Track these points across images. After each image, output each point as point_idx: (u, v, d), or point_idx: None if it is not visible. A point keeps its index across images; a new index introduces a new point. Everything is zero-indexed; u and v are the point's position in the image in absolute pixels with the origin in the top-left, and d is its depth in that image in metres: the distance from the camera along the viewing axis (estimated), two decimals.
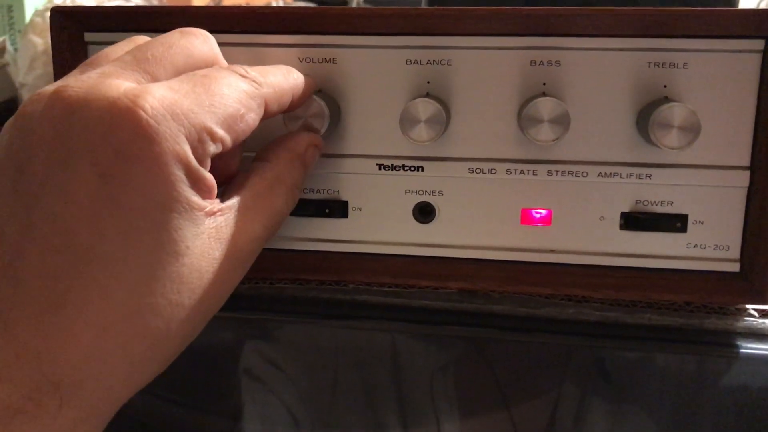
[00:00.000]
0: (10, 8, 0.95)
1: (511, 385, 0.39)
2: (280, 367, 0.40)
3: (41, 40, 0.84)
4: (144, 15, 0.39)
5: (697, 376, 0.37)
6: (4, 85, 0.83)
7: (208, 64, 0.31)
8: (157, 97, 0.27)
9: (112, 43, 0.39)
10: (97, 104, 0.26)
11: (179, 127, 0.27)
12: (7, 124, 0.28)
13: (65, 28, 0.39)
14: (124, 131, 0.26)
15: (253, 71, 0.32)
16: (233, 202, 0.30)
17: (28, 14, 0.94)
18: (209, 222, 0.28)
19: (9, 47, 0.85)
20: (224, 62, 0.33)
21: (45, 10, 0.85)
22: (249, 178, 0.32)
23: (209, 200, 0.29)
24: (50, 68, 0.79)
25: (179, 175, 0.27)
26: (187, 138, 0.27)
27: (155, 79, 0.29)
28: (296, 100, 0.35)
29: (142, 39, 0.33)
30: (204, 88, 0.29)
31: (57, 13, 0.39)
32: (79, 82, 0.27)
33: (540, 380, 0.39)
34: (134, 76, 0.28)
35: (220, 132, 0.29)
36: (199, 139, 0.28)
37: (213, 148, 0.28)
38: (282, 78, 0.33)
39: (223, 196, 0.30)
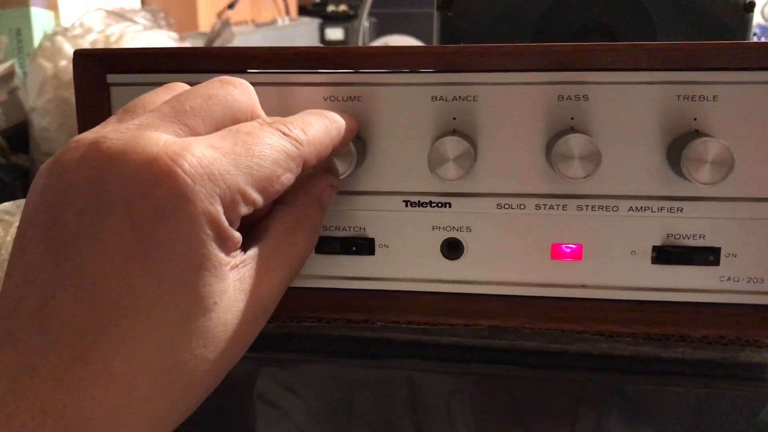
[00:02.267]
0: (18, 32, 0.95)
1: (541, 421, 0.39)
2: (308, 407, 0.40)
3: (50, 64, 0.84)
4: (166, 56, 0.39)
5: (733, 410, 0.37)
6: (14, 109, 0.83)
7: (248, 116, 0.31)
8: (197, 156, 0.27)
9: (134, 84, 0.39)
10: (135, 158, 0.26)
11: (215, 188, 0.27)
12: (42, 168, 0.28)
13: (88, 69, 0.39)
14: (162, 189, 0.26)
15: (296, 129, 0.31)
16: (255, 251, 0.30)
17: (37, 38, 0.94)
18: (233, 275, 0.28)
19: (18, 70, 0.85)
20: (262, 113, 0.33)
21: (54, 33, 0.85)
22: (269, 225, 0.32)
23: (233, 253, 0.28)
24: (61, 92, 0.80)
25: (210, 233, 0.27)
26: (221, 198, 0.27)
27: (194, 131, 0.29)
28: (336, 149, 0.34)
29: (180, 87, 0.33)
30: (244, 148, 0.28)
31: (80, 55, 0.39)
32: (117, 133, 0.27)
33: (571, 417, 0.38)
34: (173, 128, 0.28)
35: (254, 195, 0.28)
36: (232, 200, 0.27)
37: (244, 210, 0.28)
38: (323, 132, 0.33)
39: (245, 242, 0.30)
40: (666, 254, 0.37)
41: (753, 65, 0.35)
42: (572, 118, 0.36)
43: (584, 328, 0.38)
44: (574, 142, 0.34)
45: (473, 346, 0.39)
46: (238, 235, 0.28)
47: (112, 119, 0.30)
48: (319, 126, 0.33)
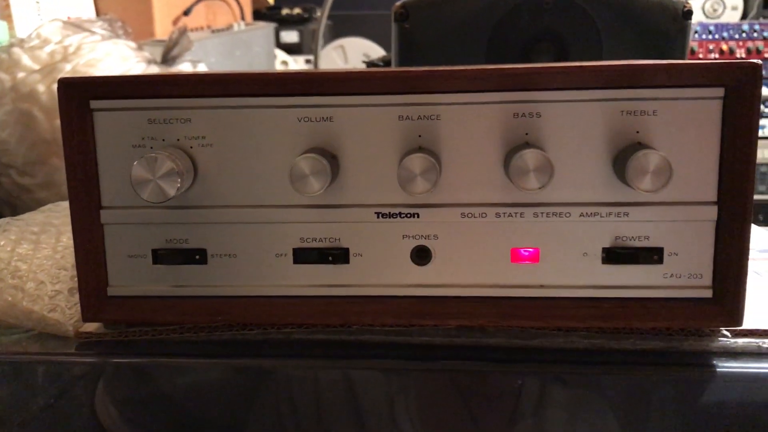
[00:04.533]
0: None
1: (503, 414, 0.42)
2: (290, 409, 0.43)
3: (8, 77, 0.85)
4: (148, 84, 0.41)
5: (679, 394, 0.41)
6: None
7: None
8: None
9: (116, 110, 0.41)
10: None
11: None
12: None
13: (73, 97, 0.41)
14: None
15: None
16: None
17: None
18: None
19: None
20: None
21: (11, 45, 0.86)
22: None
23: None
24: (19, 105, 0.81)
25: None
26: None
27: None
28: None
29: None
30: None
31: (64, 84, 0.41)
32: None
33: (532, 407, 0.42)
34: None
35: None
36: None
37: None
38: None
39: None
40: (615, 255, 0.41)
41: (687, 83, 0.39)
42: (527, 134, 0.40)
43: (543, 324, 0.42)
44: (529, 157, 0.38)
45: (442, 345, 0.42)
46: None
47: None
48: None
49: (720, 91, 0.39)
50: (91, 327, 0.44)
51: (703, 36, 1.80)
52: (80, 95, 0.41)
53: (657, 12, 0.67)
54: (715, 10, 1.98)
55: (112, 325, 0.44)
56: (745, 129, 0.38)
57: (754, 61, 0.38)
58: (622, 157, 0.39)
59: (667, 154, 0.38)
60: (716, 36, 1.79)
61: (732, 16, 1.95)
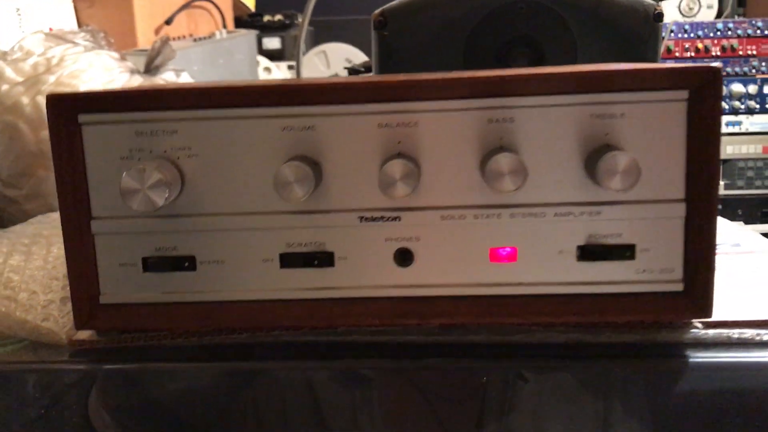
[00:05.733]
0: None
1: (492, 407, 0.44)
2: (285, 411, 0.44)
3: None
4: (135, 97, 0.43)
5: (654, 384, 0.42)
6: None
7: None
8: None
9: (104, 123, 0.43)
10: None
11: None
12: None
13: (61, 112, 0.42)
14: None
15: None
16: None
17: None
18: None
19: None
20: None
21: None
22: None
23: None
24: (4, 117, 0.81)
25: None
26: None
27: None
28: None
29: None
30: None
31: (53, 97, 0.42)
32: None
33: (514, 401, 0.43)
34: None
35: None
36: None
37: None
38: None
39: None
40: (589, 252, 0.42)
41: (653, 86, 0.40)
42: (501, 138, 0.42)
43: (522, 320, 0.43)
44: (504, 161, 0.39)
45: (426, 343, 0.44)
46: None
47: None
48: None
49: (684, 94, 0.40)
50: (84, 335, 0.45)
51: (679, 35, 1.83)
52: (68, 110, 0.42)
53: (629, 15, 0.69)
54: (691, 9, 2.01)
55: (105, 332, 0.45)
56: (709, 129, 0.40)
57: (714, 65, 0.40)
58: (593, 159, 0.40)
59: (636, 155, 0.39)
60: (692, 35, 1.82)
61: (707, 14, 1.98)
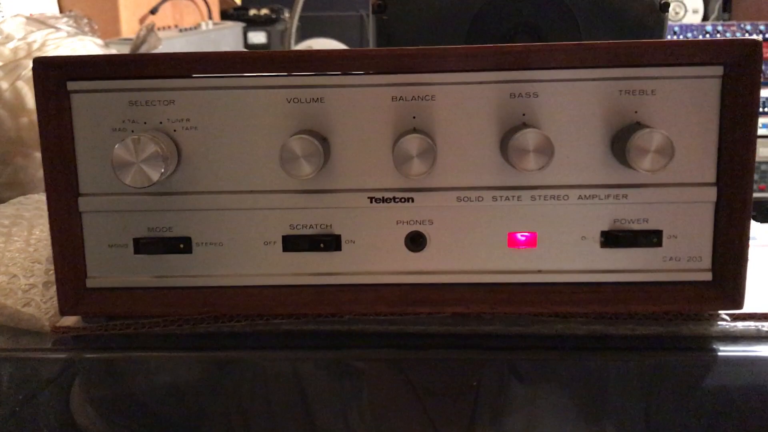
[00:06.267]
0: None
1: (502, 400, 0.41)
2: (283, 404, 0.41)
3: None
4: (127, 63, 0.39)
5: (678, 379, 0.40)
6: None
7: None
8: None
9: (94, 91, 0.39)
10: None
11: None
12: None
13: (49, 78, 0.39)
14: None
15: None
16: None
17: None
18: None
19: None
20: None
21: None
22: None
23: None
24: None
25: None
26: None
27: None
28: None
29: None
30: None
31: (40, 62, 0.39)
32: None
33: (531, 396, 0.41)
34: None
35: None
36: None
37: None
38: None
39: None
40: (613, 238, 0.40)
41: (685, 61, 0.38)
42: (524, 114, 0.39)
43: (541, 310, 0.40)
44: (530, 137, 0.37)
45: (438, 333, 0.41)
46: None
47: None
48: None
49: (719, 70, 0.38)
50: (69, 321, 0.42)
51: (669, 36, 1.82)
52: (56, 76, 0.39)
53: (634, 4, 0.67)
54: (677, 13, 2.02)
55: (91, 318, 0.42)
56: (745, 108, 0.38)
57: (755, 38, 0.37)
58: (621, 138, 0.38)
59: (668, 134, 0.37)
60: (681, 36, 1.82)
61: (693, 18, 1.99)
